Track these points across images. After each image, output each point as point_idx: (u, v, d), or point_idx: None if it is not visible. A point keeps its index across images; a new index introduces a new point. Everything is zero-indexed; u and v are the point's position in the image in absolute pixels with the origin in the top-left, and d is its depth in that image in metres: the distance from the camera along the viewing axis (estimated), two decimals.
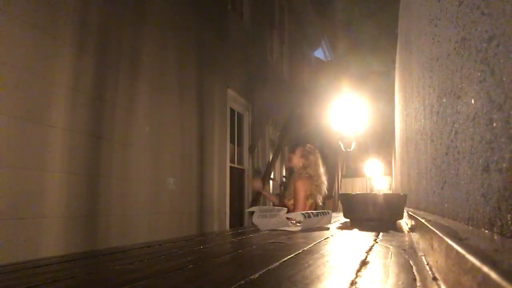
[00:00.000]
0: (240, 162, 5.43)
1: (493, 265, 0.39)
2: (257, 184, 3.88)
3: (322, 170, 3.15)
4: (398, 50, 4.39)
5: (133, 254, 1.26)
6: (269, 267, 0.88)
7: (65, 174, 2.28)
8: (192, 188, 3.82)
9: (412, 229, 1.85)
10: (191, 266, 0.95)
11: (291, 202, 3.06)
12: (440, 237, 0.72)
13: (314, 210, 3.03)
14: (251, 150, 5.27)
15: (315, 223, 2.12)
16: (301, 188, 3.03)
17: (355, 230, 2.02)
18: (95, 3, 2.61)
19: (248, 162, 5.55)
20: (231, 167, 4.85)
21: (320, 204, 3.18)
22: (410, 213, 2.11)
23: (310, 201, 3.05)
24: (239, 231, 2.22)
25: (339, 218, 3.03)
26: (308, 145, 3.25)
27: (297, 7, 8.24)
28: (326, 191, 3.22)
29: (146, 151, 3.11)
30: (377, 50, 8.11)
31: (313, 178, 3.06)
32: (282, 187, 3.34)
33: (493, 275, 0.36)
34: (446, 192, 1.09)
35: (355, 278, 0.77)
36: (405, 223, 2.40)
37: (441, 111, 1.11)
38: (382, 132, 10.49)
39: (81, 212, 2.39)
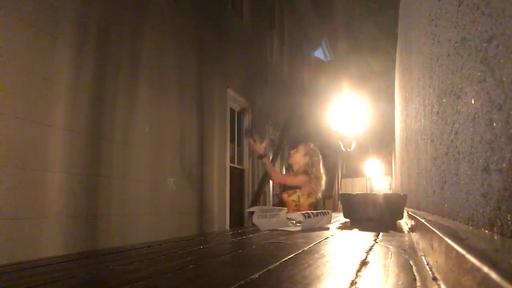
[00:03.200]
0: (240, 162, 5.43)
1: (493, 265, 0.38)
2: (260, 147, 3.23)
3: (323, 170, 3.15)
4: (398, 50, 4.38)
5: (133, 254, 1.26)
6: (269, 267, 0.88)
7: (65, 174, 2.28)
8: (192, 188, 3.82)
9: (412, 229, 1.85)
10: (191, 266, 0.95)
11: (292, 198, 3.03)
12: (440, 237, 0.72)
13: (314, 209, 3.03)
14: (247, 132, 5.14)
15: (315, 223, 2.12)
16: (302, 180, 3.01)
17: (355, 230, 2.02)
18: (95, 3, 2.61)
19: (248, 162, 5.55)
20: (231, 167, 4.85)
21: (316, 203, 3.16)
22: (410, 213, 2.11)
23: (311, 200, 3.04)
24: (239, 231, 2.22)
25: (339, 218, 3.03)
26: (311, 144, 3.21)
27: (297, 7, 8.24)
28: (320, 195, 3.17)
29: (146, 151, 3.11)
30: (377, 50, 8.10)
31: (316, 179, 3.06)
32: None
33: (493, 275, 0.36)
34: (446, 192, 1.09)
35: (355, 278, 0.77)
36: (405, 223, 2.40)
37: (441, 111, 1.11)
38: (382, 132, 10.48)
39: (81, 212, 2.39)
